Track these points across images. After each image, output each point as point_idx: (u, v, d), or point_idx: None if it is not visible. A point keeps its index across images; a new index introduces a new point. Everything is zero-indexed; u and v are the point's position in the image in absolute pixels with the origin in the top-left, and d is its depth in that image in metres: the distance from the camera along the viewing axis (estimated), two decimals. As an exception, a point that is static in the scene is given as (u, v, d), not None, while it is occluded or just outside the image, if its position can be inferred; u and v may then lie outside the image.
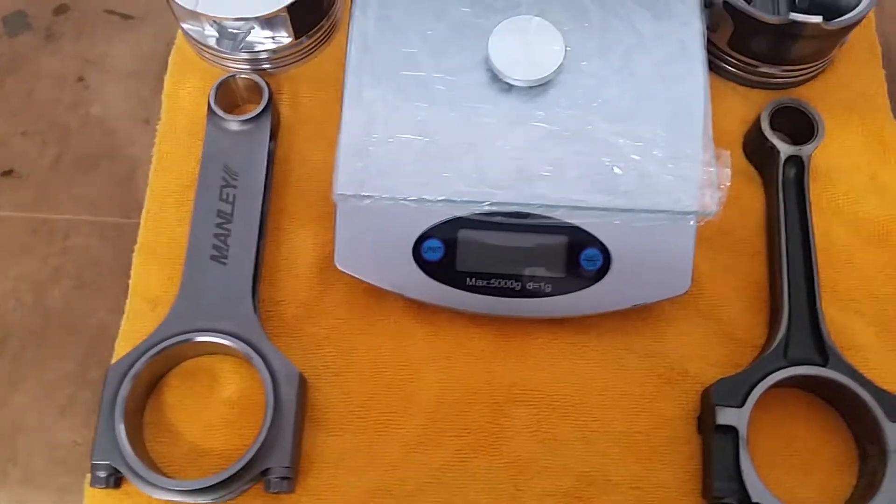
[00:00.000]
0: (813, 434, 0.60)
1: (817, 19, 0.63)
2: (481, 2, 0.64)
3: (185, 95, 0.71)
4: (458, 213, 0.59)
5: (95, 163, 0.70)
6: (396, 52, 0.62)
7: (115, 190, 0.69)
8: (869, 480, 0.58)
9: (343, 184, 0.59)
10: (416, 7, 0.64)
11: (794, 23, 0.63)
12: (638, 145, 0.59)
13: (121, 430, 0.56)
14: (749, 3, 0.66)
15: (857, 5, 0.65)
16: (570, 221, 0.59)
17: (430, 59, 0.62)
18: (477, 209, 0.59)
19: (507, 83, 0.61)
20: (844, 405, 0.60)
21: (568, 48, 0.61)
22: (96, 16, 0.77)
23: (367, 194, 0.59)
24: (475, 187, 0.59)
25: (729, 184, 0.58)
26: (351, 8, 0.64)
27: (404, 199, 0.59)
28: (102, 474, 0.56)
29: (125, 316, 0.63)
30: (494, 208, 0.59)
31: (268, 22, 0.68)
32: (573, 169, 0.59)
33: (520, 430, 0.60)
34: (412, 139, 0.60)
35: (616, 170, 0.59)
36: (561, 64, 0.60)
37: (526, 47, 0.61)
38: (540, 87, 0.61)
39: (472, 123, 0.60)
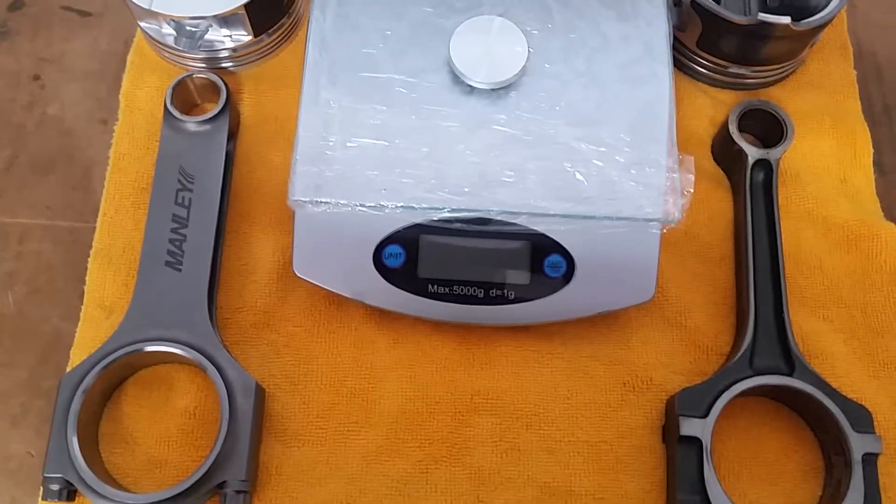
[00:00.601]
0: (779, 443, 0.60)
1: (786, 20, 0.62)
2: (443, 1, 0.62)
3: (143, 95, 0.69)
4: (419, 220, 0.58)
5: (51, 165, 0.68)
6: (355, 53, 0.61)
7: (71, 193, 0.67)
8: (834, 490, 0.57)
9: (299, 189, 0.58)
10: (376, 6, 0.62)
11: (763, 23, 0.62)
12: (601, 150, 0.58)
13: (74, 442, 0.55)
14: (718, 3, 0.64)
15: (826, 5, 0.64)
16: (532, 228, 0.58)
17: (389, 60, 0.61)
18: (437, 215, 0.58)
19: (469, 85, 0.59)
20: (810, 414, 0.59)
21: (531, 50, 0.60)
22: (53, 12, 0.75)
23: (324, 200, 0.57)
24: (435, 193, 0.57)
25: (693, 190, 0.57)
26: (310, 6, 0.63)
27: (362, 206, 0.57)
28: (55, 487, 0.55)
29: (80, 323, 0.62)
30: (455, 215, 0.58)
31: (226, 20, 0.66)
32: (535, 174, 0.58)
33: (483, 441, 0.59)
34: (371, 143, 0.58)
35: (578, 176, 0.58)
36: (524, 66, 0.59)
37: (488, 48, 0.60)
38: (502, 90, 0.60)
39: (433, 127, 0.59)
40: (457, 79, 0.60)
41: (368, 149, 0.58)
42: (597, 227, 0.58)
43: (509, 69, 0.59)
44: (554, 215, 0.57)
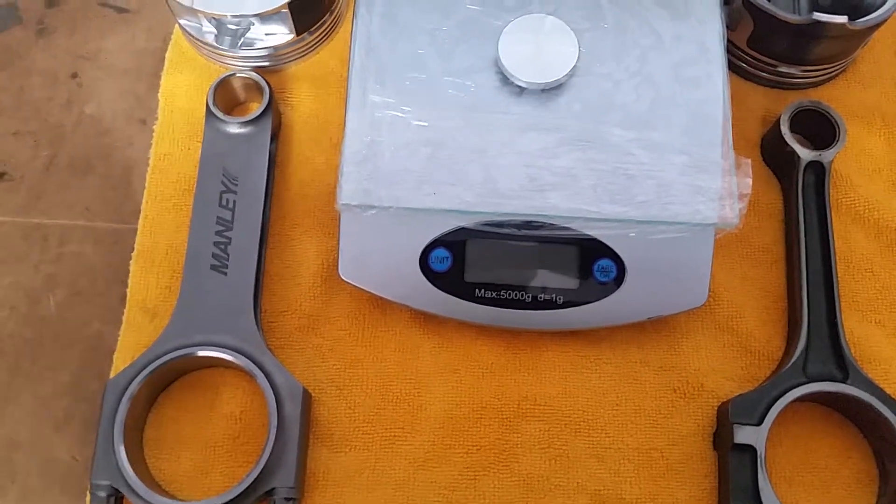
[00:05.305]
0: (832, 450, 0.59)
1: (842, 19, 0.60)
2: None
3: (182, 94, 0.68)
4: (466, 223, 0.57)
5: (90, 165, 0.68)
6: (402, 53, 0.60)
7: (111, 194, 0.67)
8: (890, 499, 0.56)
9: (348, 193, 0.57)
10: (423, 5, 0.61)
11: (818, 23, 0.61)
12: (655, 153, 0.57)
13: (121, 450, 0.54)
14: (770, 2, 0.63)
15: (882, 4, 0.62)
16: (582, 232, 0.57)
17: (437, 61, 0.60)
18: (486, 219, 0.57)
19: (519, 86, 0.58)
20: (864, 421, 0.58)
21: (582, 49, 0.58)
22: (90, 9, 0.74)
23: (372, 204, 0.57)
24: (484, 197, 0.57)
25: (749, 193, 0.56)
26: (355, 6, 0.61)
27: (410, 209, 0.57)
28: (103, 494, 0.54)
29: (123, 327, 0.61)
30: (504, 218, 0.57)
31: (268, 18, 0.65)
32: (587, 178, 0.57)
33: (530, 447, 0.58)
34: (419, 145, 0.58)
35: (632, 179, 0.56)
36: (574, 66, 0.58)
37: (538, 48, 0.59)
38: (552, 91, 0.59)
39: (482, 129, 0.58)
40: (506, 79, 0.59)
41: (417, 151, 0.57)
42: (649, 232, 0.56)
43: (560, 69, 0.58)
44: (607, 220, 0.56)
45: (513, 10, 0.60)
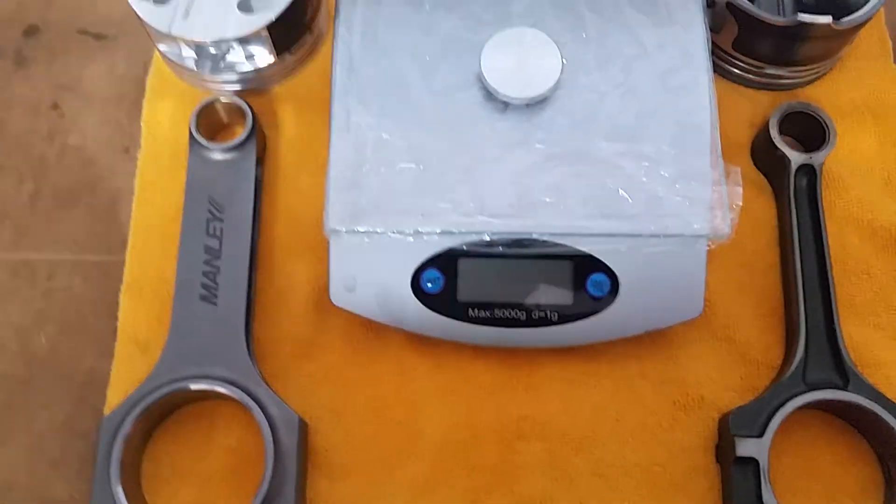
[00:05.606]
0: (836, 458, 0.58)
1: (826, 19, 0.60)
2: (472, 14, 0.60)
3: (164, 120, 0.67)
4: (457, 244, 0.57)
5: (75, 197, 0.67)
6: (384, 72, 0.59)
7: (98, 225, 0.66)
8: (896, 505, 0.56)
9: (335, 219, 0.56)
10: (403, 22, 0.61)
11: (802, 24, 0.60)
12: (644, 165, 0.56)
13: (118, 490, 0.54)
14: (753, 3, 0.62)
15: (866, 2, 0.62)
16: (574, 247, 0.56)
17: (420, 79, 0.59)
18: (476, 239, 0.56)
19: (503, 101, 0.58)
20: (867, 427, 0.58)
21: (565, 61, 0.58)
22: (69, 37, 0.73)
23: (360, 229, 0.56)
24: (473, 217, 0.56)
25: (741, 203, 0.55)
26: (334, 26, 0.61)
27: (399, 232, 0.56)
28: (101, 533, 0.54)
29: (115, 361, 0.60)
30: (495, 238, 0.56)
31: (247, 41, 0.64)
32: (576, 193, 0.56)
33: (532, 468, 0.58)
34: (405, 166, 0.57)
35: (621, 192, 0.56)
36: (559, 79, 0.57)
37: (521, 62, 0.58)
38: (537, 105, 0.58)
39: (468, 147, 0.57)
40: (490, 95, 0.58)
41: (403, 172, 0.57)
42: (641, 245, 0.56)
43: (543, 83, 0.57)
44: (598, 234, 0.56)
45: (493, 24, 0.59)
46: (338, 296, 0.58)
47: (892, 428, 0.55)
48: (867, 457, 0.58)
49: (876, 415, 0.56)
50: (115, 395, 0.59)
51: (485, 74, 0.57)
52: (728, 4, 0.62)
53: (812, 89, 0.68)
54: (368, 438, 0.59)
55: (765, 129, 0.63)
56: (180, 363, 0.57)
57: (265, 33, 0.63)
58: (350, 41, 0.60)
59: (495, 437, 0.58)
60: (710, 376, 0.60)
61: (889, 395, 0.56)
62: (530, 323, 0.57)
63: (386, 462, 0.58)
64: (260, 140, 0.64)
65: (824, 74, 0.68)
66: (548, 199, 0.56)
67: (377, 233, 0.56)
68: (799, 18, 0.60)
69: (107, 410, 0.58)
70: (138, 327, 0.61)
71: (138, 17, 0.62)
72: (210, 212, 0.61)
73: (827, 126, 0.62)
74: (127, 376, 0.59)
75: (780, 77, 0.66)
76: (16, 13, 0.74)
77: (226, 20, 0.62)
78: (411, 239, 0.56)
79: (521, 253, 0.57)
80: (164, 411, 0.58)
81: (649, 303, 0.57)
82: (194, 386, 0.57)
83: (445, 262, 0.57)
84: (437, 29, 0.60)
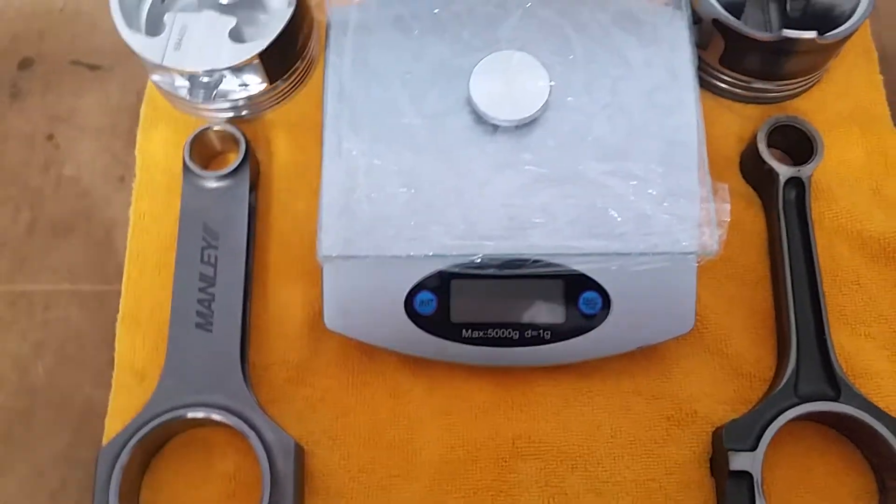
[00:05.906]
0: (829, 469, 0.58)
1: (812, 34, 0.60)
2: (460, 40, 0.61)
3: (159, 150, 0.68)
4: (448, 265, 0.57)
5: (71, 227, 0.67)
6: (374, 99, 0.60)
7: (94, 255, 0.66)
8: (891, 516, 0.56)
9: (328, 245, 0.57)
10: (393, 49, 0.61)
11: (788, 39, 0.61)
12: (632, 184, 0.57)
13: (117, 521, 0.54)
14: (739, 19, 0.63)
15: (851, 15, 0.62)
16: (565, 267, 0.57)
17: (410, 104, 0.60)
18: (468, 260, 0.57)
19: (493, 124, 0.58)
20: (860, 438, 0.58)
21: (553, 83, 0.58)
22: (63, 68, 0.74)
23: (353, 254, 0.57)
24: (465, 240, 0.56)
25: (729, 220, 0.56)
26: (325, 53, 0.61)
27: (392, 256, 0.56)
28: (101, 562, 0.54)
29: (112, 391, 0.61)
30: (486, 259, 0.57)
31: (240, 69, 0.65)
32: (566, 213, 0.57)
33: (528, 486, 0.58)
34: (397, 191, 0.57)
35: (611, 212, 0.56)
36: (547, 100, 0.58)
37: (509, 85, 0.59)
38: (526, 127, 0.59)
39: (459, 170, 0.58)
40: (479, 118, 0.59)
41: (395, 197, 0.57)
42: (631, 263, 0.56)
43: (532, 105, 0.58)
44: (589, 254, 0.56)
45: (481, 48, 0.60)
46: (332, 320, 0.58)
47: (885, 438, 0.55)
48: (860, 467, 0.58)
49: (868, 425, 0.56)
50: (114, 424, 0.59)
51: (474, 98, 0.58)
52: (714, 21, 0.63)
53: (799, 102, 0.69)
54: (365, 461, 0.59)
55: (753, 143, 0.64)
56: (177, 391, 0.58)
57: (257, 61, 0.64)
58: (341, 68, 0.61)
59: (491, 457, 0.59)
60: (703, 390, 0.60)
61: (881, 405, 0.57)
62: (524, 342, 0.58)
63: (383, 484, 0.58)
64: (253, 166, 0.65)
65: (811, 87, 0.69)
66: (538, 220, 0.56)
67: (369, 258, 0.57)
68: (784, 34, 0.61)
69: (105, 440, 0.59)
70: (135, 356, 0.62)
71: (131, 49, 0.63)
72: (205, 239, 0.62)
73: (814, 139, 0.63)
74: (125, 405, 0.60)
75: (768, 91, 0.67)
76: (10, 46, 0.75)
77: (218, 50, 0.63)
78: (404, 262, 0.57)
79: (513, 273, 0.57)
80: (161, 439, 0.59)
81: (641, 319, 0.57)
82: (191, 414, 0.57)
83: (438, 283, 0.58)
84: (427, 54, 0.61)
